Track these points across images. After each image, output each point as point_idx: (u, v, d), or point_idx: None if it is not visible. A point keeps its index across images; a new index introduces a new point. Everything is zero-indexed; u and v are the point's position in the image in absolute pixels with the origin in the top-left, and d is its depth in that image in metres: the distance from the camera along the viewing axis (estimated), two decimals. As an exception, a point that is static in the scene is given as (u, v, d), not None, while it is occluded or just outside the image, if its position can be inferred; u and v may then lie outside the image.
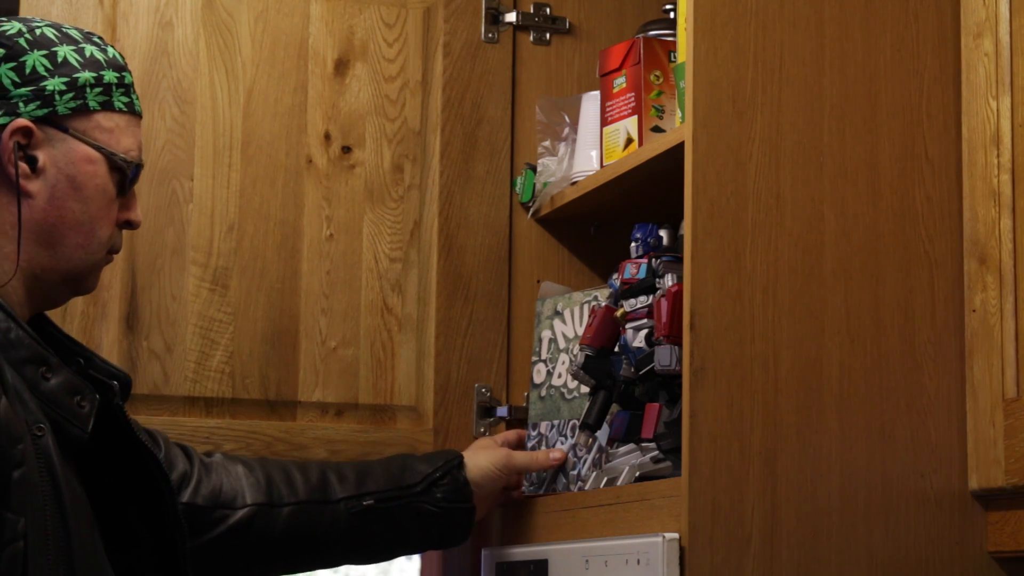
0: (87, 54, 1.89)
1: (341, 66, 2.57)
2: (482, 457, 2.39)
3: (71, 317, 2.40)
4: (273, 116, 2.53)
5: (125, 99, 1.92)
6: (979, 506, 2.05)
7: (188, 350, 2.45)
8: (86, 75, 1.87)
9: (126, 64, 1.95)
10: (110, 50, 1.93)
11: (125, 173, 1.91)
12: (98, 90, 1.88)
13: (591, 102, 2.51)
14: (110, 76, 1.90)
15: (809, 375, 2.02)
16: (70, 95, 1.86)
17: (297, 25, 2.56)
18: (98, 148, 1.88)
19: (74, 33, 1.91)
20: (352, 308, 2.53)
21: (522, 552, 2.34)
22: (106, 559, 1.85)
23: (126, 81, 1.92)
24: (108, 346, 2.41)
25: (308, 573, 2.56)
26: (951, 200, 2.10)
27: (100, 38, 1.94)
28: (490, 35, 2.63)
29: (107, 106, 1.90)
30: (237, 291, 2.49)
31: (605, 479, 2.28)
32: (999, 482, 1.99)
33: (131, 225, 1.96)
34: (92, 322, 2.42)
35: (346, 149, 2.56)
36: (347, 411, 2.52)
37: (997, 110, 2.04)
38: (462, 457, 2.39)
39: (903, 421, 2.05)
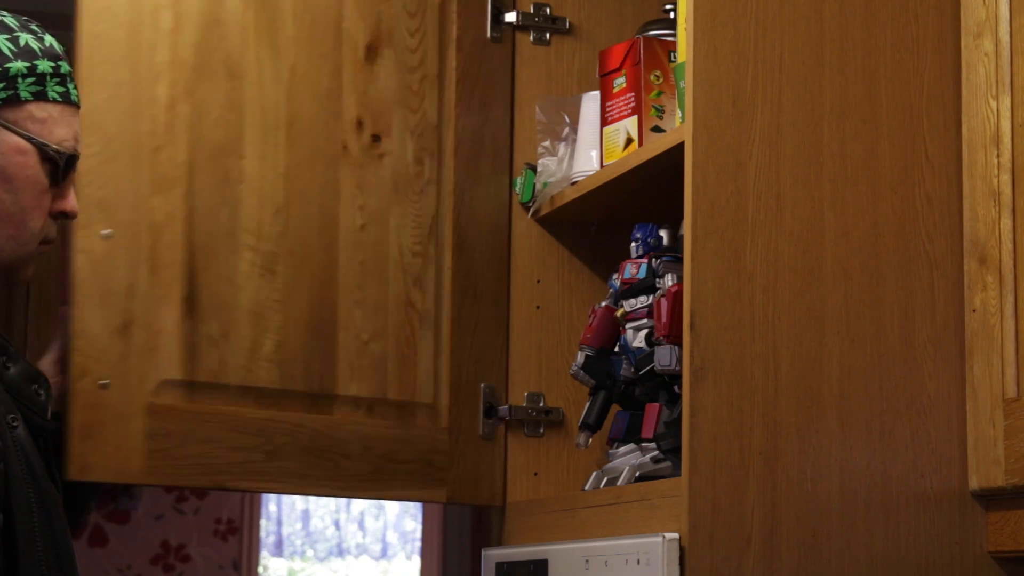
0: (21, 43, 1.85)
1: (371, 52, 2.49)
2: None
3: (135, 297, 2.26)
4: (313, 98, 2.44)
5: (60, 89, 1.88)
6: (979, 506, 2.05)
7: (242, 336, 2.34)
8: (18, 65, 1.84)
9: (63, 53, 1.90)
10: (47, 38, 1.89)
11: (58, 164, 1.87)
12: (30, 80, 1.85)
13: (591, 102, 2.50)
14: (44, 66, 1.86)
15: (809, 375, 2.02)
16: (1, 85, 1.83)
17: (333, 5, 2.47)
18: (29, 139, 1.85)
19: (10, 21, 1.88)
20: (381, 301, 2.46)
21: (522, 552, 2.34)
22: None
23: (62, 71, 1.89)
24: (170, 330, 2.29)
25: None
26: (951, 200, 2.10)
27: (39, 26, 1.91)
28: (495, 34, 2.61)
29: (40, 96, 1.86)
30: (284, 277, 2.38)
31: (605, 479, 2.28)
32: (999, 482, 1.99)
33: (66, 216, 1.92)
34: (154, 302, 2.29)
35: (376, 138, 2.48)
36: (377, 406, 2.44)
37: (997, 110, 2.04)
38: None
39: (903, 421, 2.05)
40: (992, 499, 2.04)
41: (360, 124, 2.47)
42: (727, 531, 1.96)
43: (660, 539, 1.96)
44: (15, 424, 1.75)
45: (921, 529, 2.03)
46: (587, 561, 2.13)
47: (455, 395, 2.51)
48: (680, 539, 1.96)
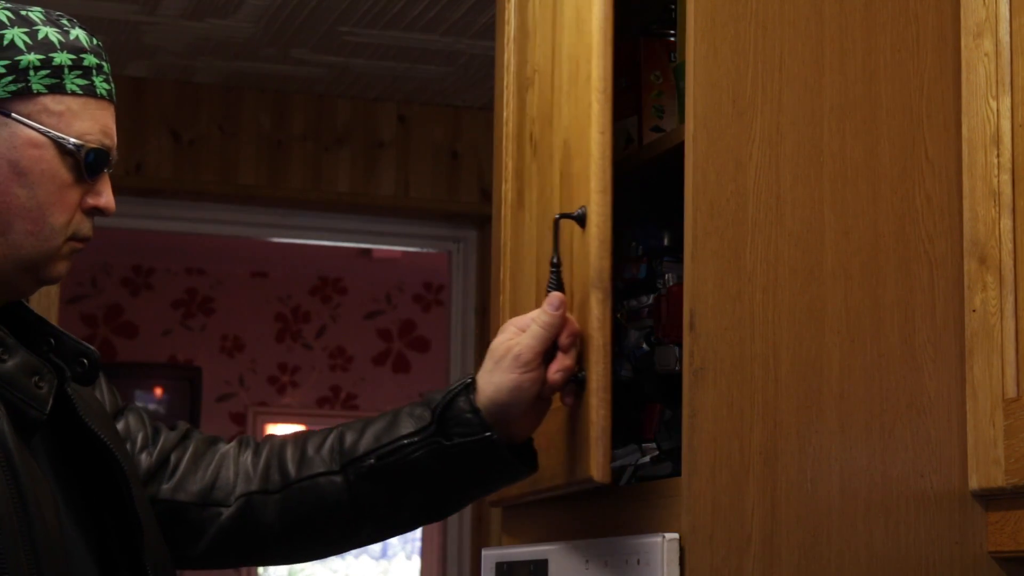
0: (39, 36, 1.83)
1: None
2: (495, 368, 2.01)
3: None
4: None
5: (82, 81, 1.85)
6: (979, 506, 2.05)
7: None
8: (29, 57, 1.81)
9: (93, 46, 1.87)
10: (74, 32, 1.86)
11: (78, 158, 1.84)
12: (44, 72, 1.82)
13: (591, 102, 2.50)
14: (62, 58, 1.83)
15: (809, 375, 2.02)
16: (9, 78, 1.81)
17: None
18: (44, 132, 1.82)
19: (35, 15, 1.86)
20: None
21: (522, 552, 2.34)
22: (82, 544, 1.81)
23: (85, 63, 1.85)
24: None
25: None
26: (951, 200, 2.10)
27: (70, 20, 1.88)
28: None
29: (56, 89, 1.83)
30: None
31: (605, 479, 2.28)
32: (999, 482, 1.99)
33: (100, 212, 1.88)
34: None
35: None
36: None
37: (997, 110, 2.04)
38: (471, 380, 2.01)
39: (903, 421, 2.05)
40: (992, 499, 2.04)
41: None
42: (727, 531, 1.96)
43: (660, 539, 1.96)
44: None
45: (921, 529, 2.03)
46: (587, 561, 2.13)
47: None
48: (680, 539, 1.96)
